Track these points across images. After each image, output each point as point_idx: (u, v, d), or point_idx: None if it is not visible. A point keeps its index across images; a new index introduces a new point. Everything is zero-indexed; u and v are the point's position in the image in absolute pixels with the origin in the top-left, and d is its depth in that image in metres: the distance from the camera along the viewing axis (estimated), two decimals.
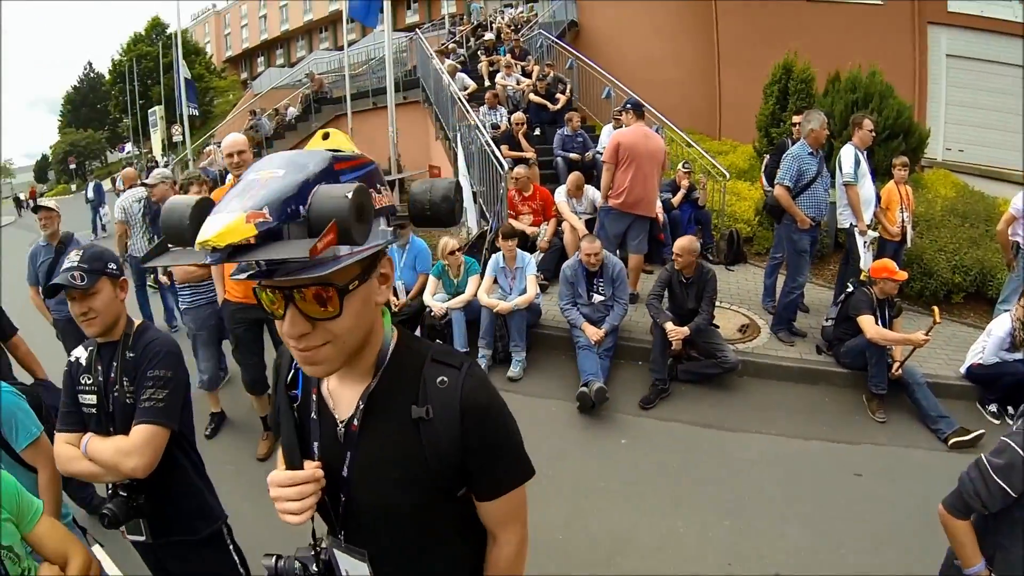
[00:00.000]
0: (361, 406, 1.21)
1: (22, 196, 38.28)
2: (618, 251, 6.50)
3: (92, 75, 52.92)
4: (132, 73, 39.12)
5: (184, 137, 18.90)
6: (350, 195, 0.90)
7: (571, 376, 5.46)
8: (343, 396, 1.25)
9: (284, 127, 18.28)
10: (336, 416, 1.24)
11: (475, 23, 18.57)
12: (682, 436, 4.81)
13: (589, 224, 7.14)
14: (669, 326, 5.17)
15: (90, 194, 18.56)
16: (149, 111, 22.18)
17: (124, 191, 8.14)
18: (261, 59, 50.74)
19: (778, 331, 6.04)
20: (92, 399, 2.20)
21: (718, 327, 5.59)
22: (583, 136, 9.37)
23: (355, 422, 1.21)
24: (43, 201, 5.66)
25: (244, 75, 50.67)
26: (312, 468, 1.22)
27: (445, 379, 1.19)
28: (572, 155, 9.08)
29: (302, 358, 1.08)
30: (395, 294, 6.54)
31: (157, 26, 43.48)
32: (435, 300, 6.01)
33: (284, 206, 0.89)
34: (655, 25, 14.69)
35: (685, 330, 5.16)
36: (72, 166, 46.03)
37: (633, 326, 6.15)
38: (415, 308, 6.22)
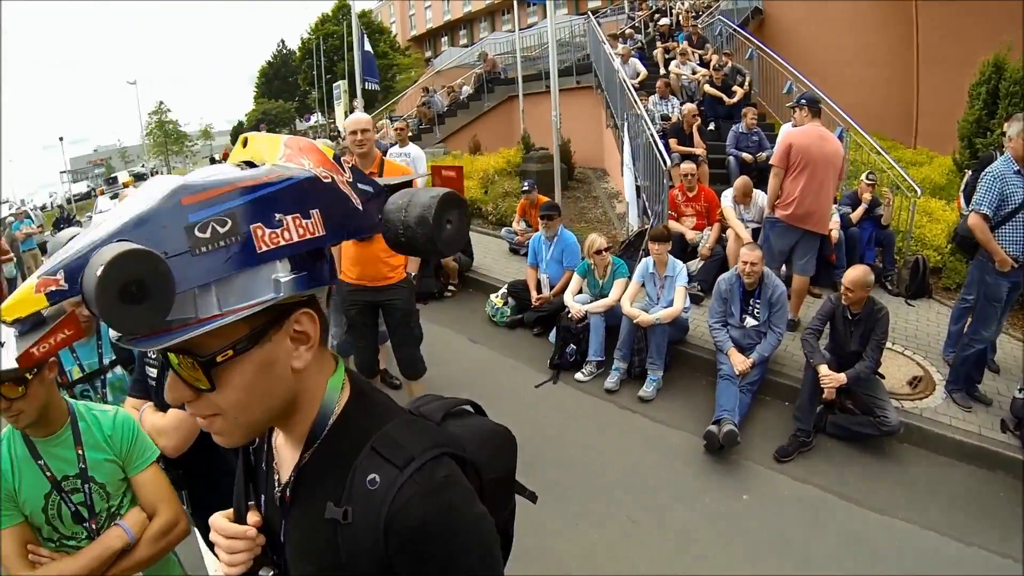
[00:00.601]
0: (292, 478, 0.95)
1: (217, 157, 44.07)
2: (782, 270, 5.78)
3: (284, 51, 57.77)
4: (319, 50, 42.21)
5: (359, 110, 19.77)
6: (100, 271, 0.64)
7: (706, 406, 4.86)
8: (285, 457, 1.00)
9: (456, 105, 18.54)
10: (278, 477, 1.01)
11: (653, 7, 17.81)
12: (814, 505, 3.99)
13: (757, 235, 6.34)
14: (824, 370, 4.42)
15: None
16: (334, 85, 23.52)
17: None
18: (445, 39, 52.67)
19: (953, 391, 4.83)
20: (154, 372, 2.32)
21: (883, 377, 4.64)
22: (759, 134, 8.55)
23: (287, 492, 0.96)
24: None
25: (428, 53, 52.65)
26: (250, 525, 1.02)
27: (377, 479, 0.85)
28: (744, 155, 8.29)
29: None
30: (539, 288, 6.26)
31: (343, 7, 46.44)
32: (575, 301, 5.67)
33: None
34: (847, 17, 13.33)
35: (842, 377, 4.35)
36: (263, 132, 49.98)
37: (786, 358, 5.38)
38: (556, 306, 5.92)
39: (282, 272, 0.82)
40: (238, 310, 0.77)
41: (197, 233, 0.74)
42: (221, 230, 0.75)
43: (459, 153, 14.63)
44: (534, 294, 6.33)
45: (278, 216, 0.80)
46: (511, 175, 11.61)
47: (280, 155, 0.89)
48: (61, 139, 55.17)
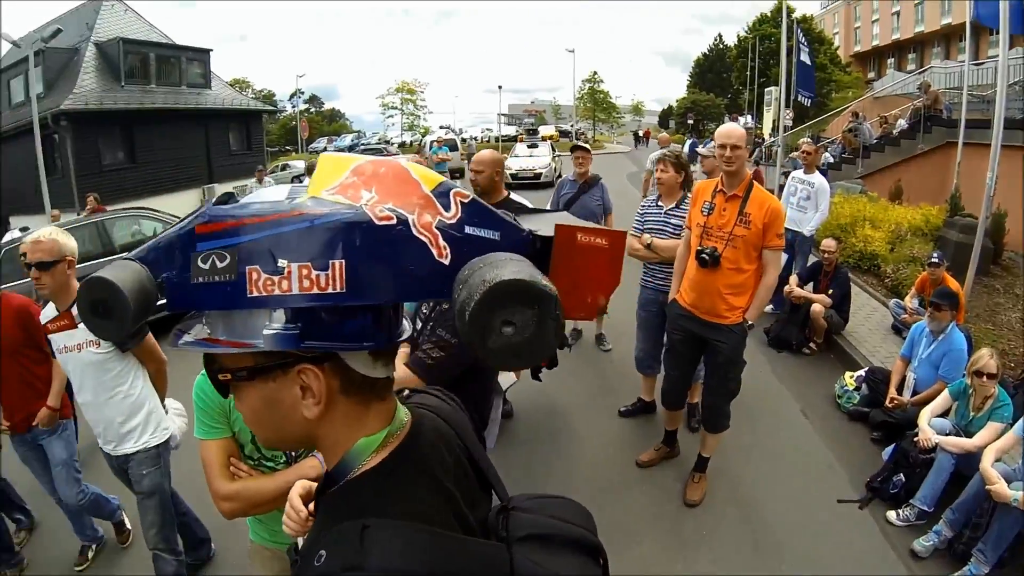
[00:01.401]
0: None
1: (640, 133, 48.73)
2: None
3: (720, 46, 58.88)
4: (754, 50, 41.18)
5: (786, 122, 18.68)
6: (81, 287, 0.75)
7: None
8: None
9: (886, 139, 16.54)
10: None
11: None
12: None
13: None
14: None
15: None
16: (766, 90, 22.74)
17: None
18: (891, 61, 46.85)
19: None
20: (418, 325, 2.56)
21: None
22: None
23: None
24: (580, 143, 6.65)
25: (871, 74, 47.92)
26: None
27: (323, 555, 0.76)
28: None
29: None
30: (900, 387, 5.13)
31: (783, 9, 44.30)
32: (931, 424, 4.24)
33: None
34: None
35: None
36: (690, 121, 52.33)
37: None
38: (909, 416, 4.69)
39: (274, 323, 0.77)
40: (227, 343, 0.78)
41: (199, 263, 0.75)
42: (219, 265, 0.74)
43: (875, 196, 12.79)
44: (892, 392, 5.14)
45: (281, 262, 0.74)
46: (926, 238, 9.84)
47: (335, 184, 0.80)
48: (500, 87, 64.02)
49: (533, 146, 25.69)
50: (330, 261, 0.74)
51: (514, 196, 4.38)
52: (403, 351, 2.42)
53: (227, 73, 66.29)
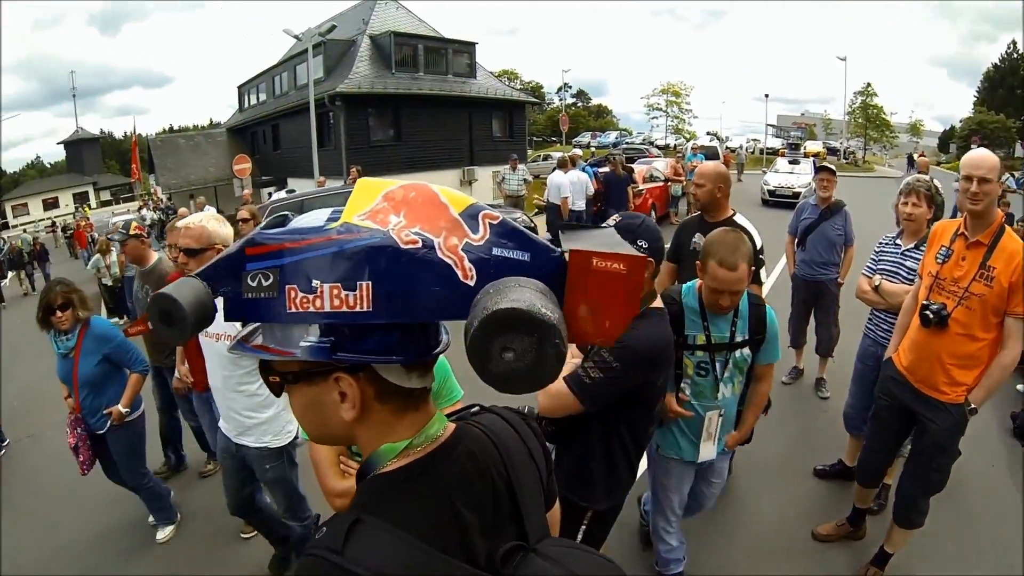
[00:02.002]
0: None
1: (915, 155, 39.43)
2: None
3: (1015, 55, 48.91)
4: None
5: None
6: (150, 301, 0.85)
7: None
8: None
9: None
10: None
11: None
12: None
13: None
14: None
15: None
16: None
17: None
18: None
19: None
20: None
21: None
22: None
23: None
24: (825, 164, 6.03)
25: None
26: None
27: (323, 531, 0.88)
28: None
29: None
30: None
31: None
32: None
33: None
34: None
35: None
36: (973, 146, 44.16)
37: None
38: None
39: (310, 336, 0.86)
40: (275, 351, 0.89)
41: (248, 281, 0.86)
42: (264, 283, 0.85)
43: None
44: None
45: (315, 282, 0.83)
46: None
47: (367, 209, 0.87)
48: (767, 96, 59.89)
49: (794, 162, 23.82)
50: (358, 282, 0.82)
51: (739, 218, 3.95)
52: (571, 361, 2.41)
53: (496, 64, 69.85)
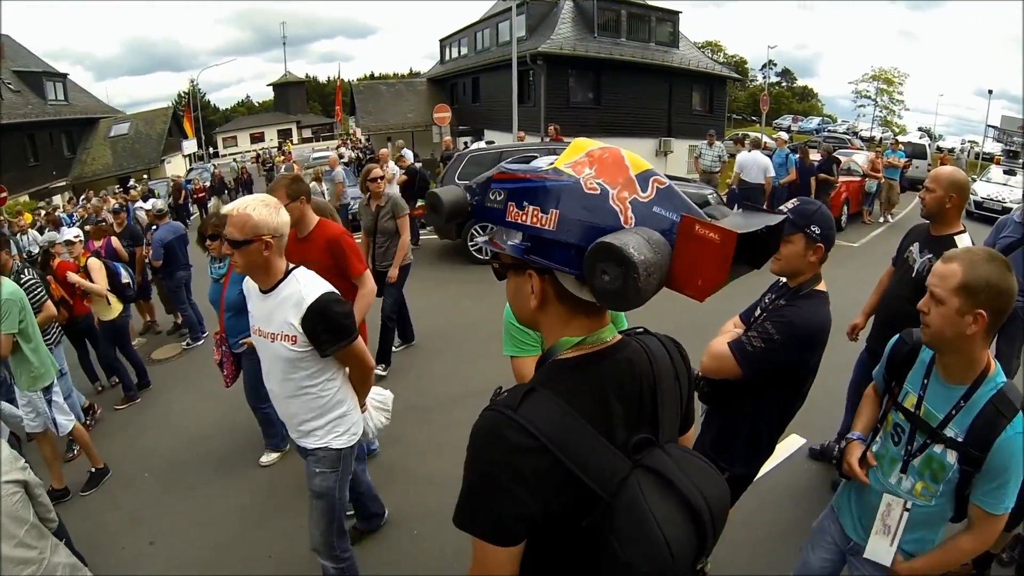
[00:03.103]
0: None
1: None
2: None
3: None
4: None
5: None
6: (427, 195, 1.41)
7: None
8: None
9: None
10: None
11: None
12: None
13: None
14: None
15: None
16: None
17: None
18: None
19: None
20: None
21: None
22: None
23: None
24: None
25: None
26: None
27: (504, 393, 1.25)
28: None
29: None
30: None
31: None
32: None
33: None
34: None
35: None
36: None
37: None
38: None
39: (514, 239, 1.23)
40: (497, 246, 1.27)
41: (491, 196, 1.25)
42: (498, 199, 1.23)
43: None
44: None
45: (525, 203, 1.19)
46: None
47: (571, 161, 1.18)
48: (990, 92, 52.87)
49: (1010, 172, 20.59)
50: (551, 209, 1.15)
51: (964, 239, 3.56)
52: (735, 331, 2.63)
53: (700, 35, 67.40)
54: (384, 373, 6.29)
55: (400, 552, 3.79)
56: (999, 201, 17.16)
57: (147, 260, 8.17)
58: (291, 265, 2.69)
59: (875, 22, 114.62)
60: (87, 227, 13.43)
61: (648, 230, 1.07)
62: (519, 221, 1.19)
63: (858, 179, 14.94)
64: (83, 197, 23.32)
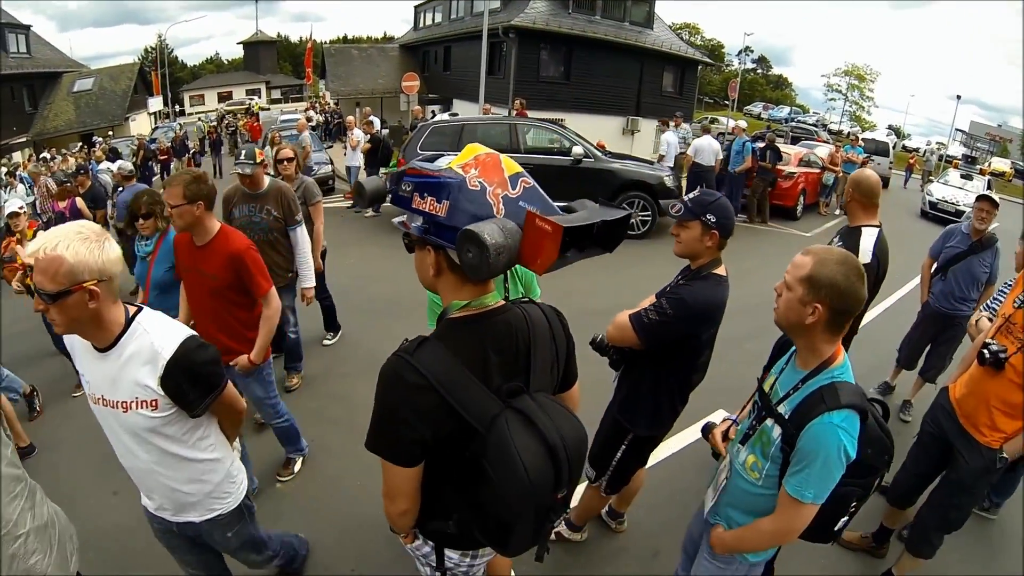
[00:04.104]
0: None
1: None
2: None
3: None
4: None
5: None
6: (357, 184, 1.80)
7: None
8: None
9: None
10: None
11: None
12: None
13: None
14: None
15: None
16: None
17: None
18: None
19: None
20: None
21: None
22: None
23: None
24: (987, 193, 5.38)
25: None
26: None
27: (405, 341, 1.63)
28: None
29: None
30: None
31: None
32: None
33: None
34: None
35: None
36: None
37: None
38: None
39: (417, 221, 1.57)
40: (406, 227, 1.60)
41: (403, 187, 1.59)
42: (407, 189, 1.58)
43: None
44: None
45: (425, 194, 1.53)
46: None
47: (461, 163, 1.53)
48: (959, 97, 53.63)
49: (967, 177, 21.10)
50: (442, 200, 1.49)
51: (867, 233, 3.74)
52: (643, 305, 2.85)
53: (678, 16, 67.18)
54: (333, 341, 6.56)
55: (344, 497, 4.16)
56: (953, 203, 17.84)
57: (110, 222, 8.16)
58: (131, 311, 2.11)
59: (855, 17, 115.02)
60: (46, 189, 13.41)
61: (506, 220, 1.43)
62: (421, 208, 1.52)
63: (817, 171, 15.46)
64: (41, 157, 22.97)
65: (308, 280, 5.18)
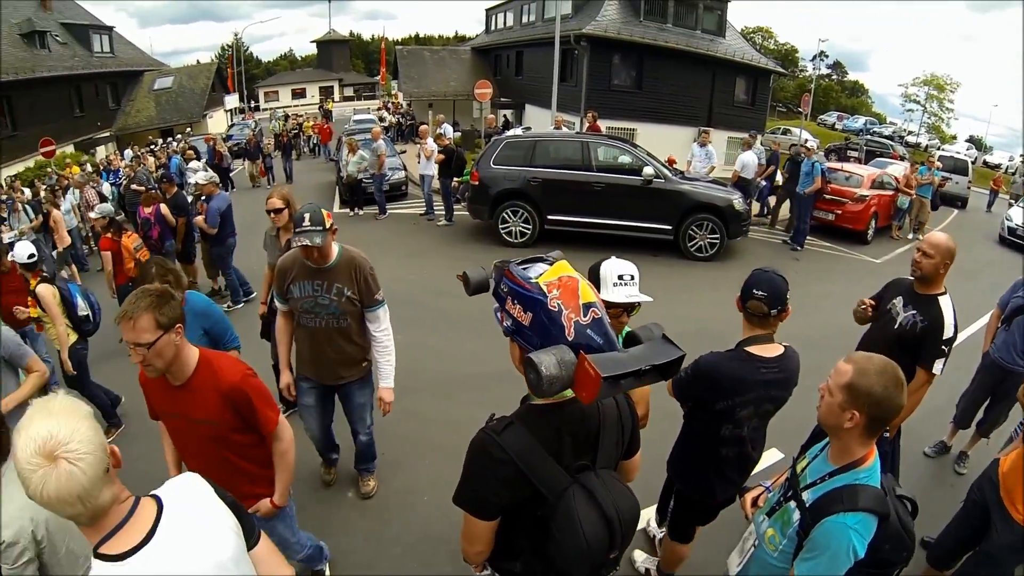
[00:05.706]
0: None
1: None
2: None
3: None
4: None
5: None
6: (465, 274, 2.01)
7: None
8: None
9: None
10: None
11: None
12: None
13: None
14: None
15: None
16: None
17: None
18: None
19: None
20: None
21: None
22: None
23: None
24: None
25: None
26: None
27: (494, 417, 1.95)
28: None
29: None
30: None
31: None
32: None
33: None
34: None
35: None
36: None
37: None
38: None
39: (507, 320, 1.78)
40: (500, 318, 1.82)
41: (502, 287, 1.79)
42: (504, 291, 1.78)
43: None
44: None
45: (515, 302, 1.73)
46: None
47: (548, 281, 1.71)
48: None
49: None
50: (528, 312, 1.70)
51: (945, 301, 3.69)
52: None
53: (751, 20, 65.76)
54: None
55: (412, 512, 4.43)
56: None
57: (195, 228, 8.80)
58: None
59: (933, 20, 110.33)
60: (132, 186, 13.92)
61: (566, 350, 1.61)
62: (511, 312, 1.75)
63: (890, 193, 14.61)
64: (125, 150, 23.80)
65: (388, 378, 4.07)
